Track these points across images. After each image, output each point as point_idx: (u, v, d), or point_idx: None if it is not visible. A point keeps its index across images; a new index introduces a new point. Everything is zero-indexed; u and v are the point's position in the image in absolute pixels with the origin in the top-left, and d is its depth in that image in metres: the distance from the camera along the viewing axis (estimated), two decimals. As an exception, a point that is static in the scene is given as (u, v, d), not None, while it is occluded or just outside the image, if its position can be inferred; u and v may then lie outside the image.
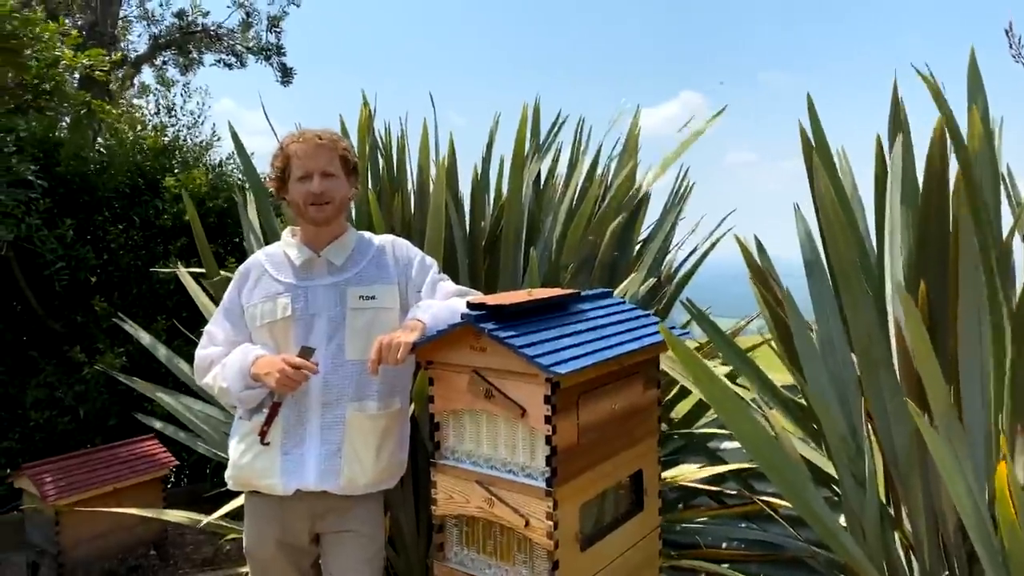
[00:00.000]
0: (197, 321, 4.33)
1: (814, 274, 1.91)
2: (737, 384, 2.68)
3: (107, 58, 3.88)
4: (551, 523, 1.40)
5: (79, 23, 8.48)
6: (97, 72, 3.78)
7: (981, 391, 1.61)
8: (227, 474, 1.86)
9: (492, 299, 1.52)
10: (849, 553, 1.63)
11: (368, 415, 1.79)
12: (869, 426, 1.85)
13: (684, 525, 2.65)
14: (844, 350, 1.88)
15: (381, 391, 1.82)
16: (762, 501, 2.37)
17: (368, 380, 1.79)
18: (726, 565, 2.29)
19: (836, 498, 2.14)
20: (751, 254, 2.20)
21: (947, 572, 1.83)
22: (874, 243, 2.07)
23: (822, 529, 1.62)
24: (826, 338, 1.88)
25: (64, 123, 4.38)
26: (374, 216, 2.41)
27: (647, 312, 1.79)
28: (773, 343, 2.23)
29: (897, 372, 1.81)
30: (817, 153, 1.85)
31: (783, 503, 2.32)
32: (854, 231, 1.97)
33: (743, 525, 2.72)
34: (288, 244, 1.88)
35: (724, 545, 2.72)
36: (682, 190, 3.01)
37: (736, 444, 2.83)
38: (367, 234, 1.97)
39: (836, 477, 2.01)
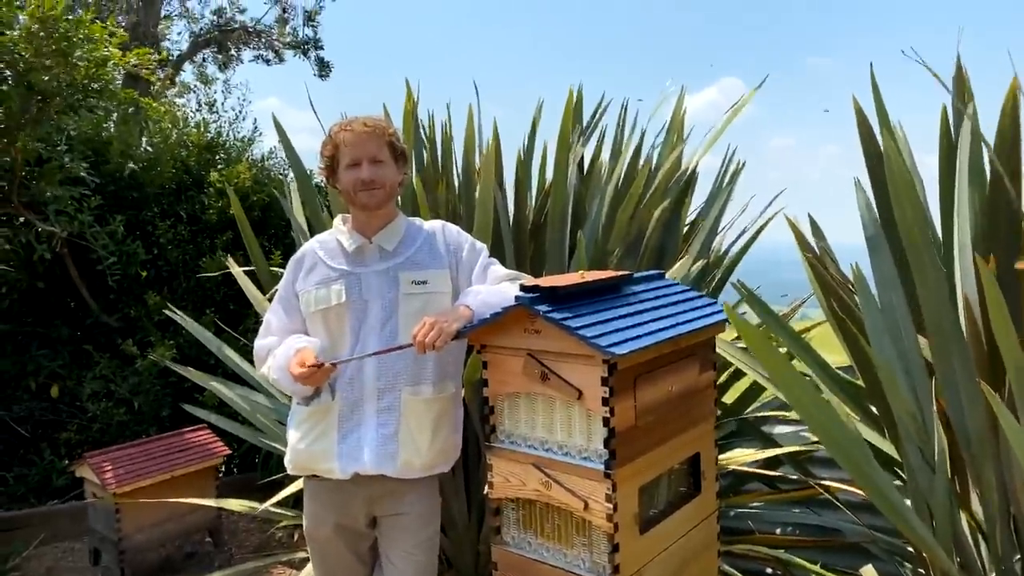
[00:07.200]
0: (245, 315, 4.41)
1: (876, 250, 1.85)
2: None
3: (153, 57, 3.95)
4: (611, 505, 1.39)
5: (122, 23, 8.67)
6: (144, 71, 3.85)
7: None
8: (286, 459, 1.88)
9: (545, 281, 1.50)
10: (918, 535, 1.58)
11: (423, 399, 1.80)
12: (935, 407, 1.79)
13: (738, 510, 2.61)
14: (909, 328, 1.82)
15: (435, 375, 1.82)
16: (820, 486, 2.32)
17: (422, 364, 1.80)
18: (782, 551, 2.25)
19: (899, 482, 2.09)
20: (803, 235, 2.14)
21: (1019, 556, 1.77)
22: (937, 221, 2.00)
23: (890, 511, 1.58)
24: (890, 315, 1.82)
25: (112, 122, 4.48)
26: (420, 203, 2.41)
27: (701, 294, 1.76)
28: (830, 324, 2.17)
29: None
30: (880, 124, 1.79)
31: (841, 486, 2.27)
32: (920, 204, 1.90)
33: (797, 510, 2.67)
34: (340, 231, 1.89)
35: (779, 531, 2.68)
36: (731, 170, 2.95)
37: (789, 428, 2.78)
38: (417, 220, 1.97)
39: (897, 459, 1.96)
